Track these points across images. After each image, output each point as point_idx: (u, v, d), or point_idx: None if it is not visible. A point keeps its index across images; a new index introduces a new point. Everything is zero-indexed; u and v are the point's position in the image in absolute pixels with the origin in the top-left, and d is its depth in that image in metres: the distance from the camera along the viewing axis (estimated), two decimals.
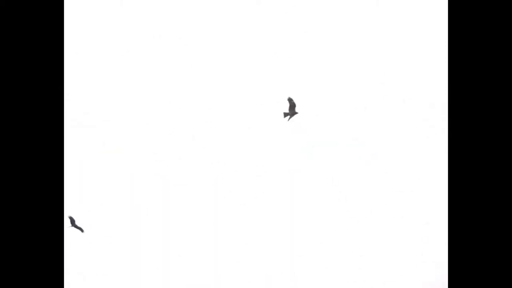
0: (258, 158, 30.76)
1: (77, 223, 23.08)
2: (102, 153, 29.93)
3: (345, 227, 29.00)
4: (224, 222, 28.78)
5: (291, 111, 21.19)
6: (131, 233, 29.04)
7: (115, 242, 28.98)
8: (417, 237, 28.56)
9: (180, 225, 28.58)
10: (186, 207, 28.93)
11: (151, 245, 29.02)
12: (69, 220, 22.97)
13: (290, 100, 21.15)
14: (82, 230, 23.24)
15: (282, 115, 21.17)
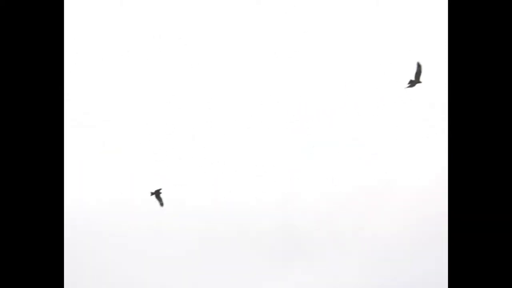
0: (258, 158, 30.74)
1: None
2: (102, 153, 29.90)
3: (346, 225, 29.01)
4: (224, 220, 28.79)
5: (416, 79, 20.09)
6: (132, 233, 29.02)
7: (116, 243, 28.95)
8: (418, 235, 28.53)
9: (179, 225, 28.58)
10: (185, 207, 28.91)
11: (151, 245, 29.00)
12: (154, 193, 22.55)
13: (418, 66, 20.00)
14: (162, 204, 22.74)
15: (407, 81, 19.90)
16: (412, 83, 20.33)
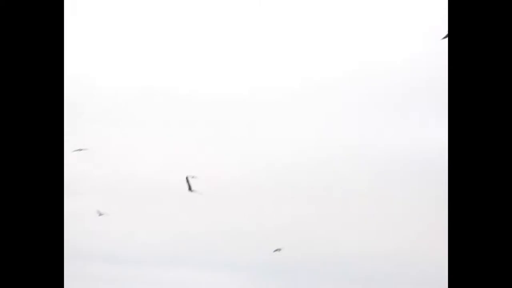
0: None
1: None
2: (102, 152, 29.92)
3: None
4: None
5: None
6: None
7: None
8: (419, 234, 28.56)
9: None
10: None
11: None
12: (189, 181, 22.54)
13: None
14: (190, 188, 22.71)
15: None
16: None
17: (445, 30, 17.28)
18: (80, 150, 25.42)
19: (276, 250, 25.44)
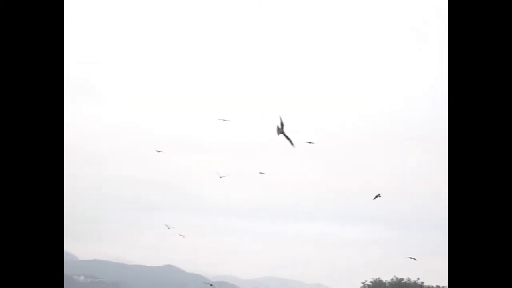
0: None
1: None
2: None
3: None
4: None
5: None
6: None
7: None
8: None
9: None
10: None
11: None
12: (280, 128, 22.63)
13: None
14: (292, 143, 22.89)
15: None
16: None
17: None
18: (224, 120, 29.71)
19: (376, 196, 28.69)
